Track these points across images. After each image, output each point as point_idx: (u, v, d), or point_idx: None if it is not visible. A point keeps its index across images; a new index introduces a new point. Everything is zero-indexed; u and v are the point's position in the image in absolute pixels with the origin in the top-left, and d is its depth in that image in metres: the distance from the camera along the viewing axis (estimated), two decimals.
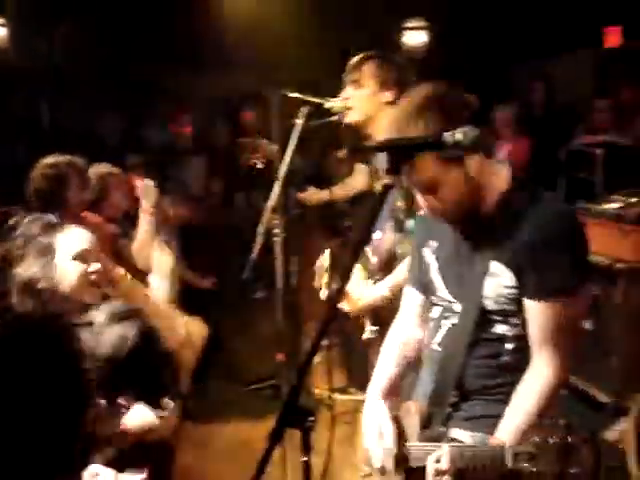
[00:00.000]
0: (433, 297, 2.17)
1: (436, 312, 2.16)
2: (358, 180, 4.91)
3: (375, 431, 2.15)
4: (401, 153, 1.66)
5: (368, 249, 3.09)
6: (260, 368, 4.96)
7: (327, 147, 6.12)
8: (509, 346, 2.00)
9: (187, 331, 4.55)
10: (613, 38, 7.34)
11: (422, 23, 8.36)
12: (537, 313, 1.92)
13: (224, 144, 7.09)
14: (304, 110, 3.30)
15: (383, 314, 2.85)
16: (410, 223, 2.96)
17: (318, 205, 5.25)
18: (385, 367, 2.30)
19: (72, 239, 2.80)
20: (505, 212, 1.96)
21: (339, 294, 1.62)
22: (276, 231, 3.36)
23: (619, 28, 7.27)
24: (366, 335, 2.97)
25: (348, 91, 3.02)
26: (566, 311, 1.92)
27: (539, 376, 1.94)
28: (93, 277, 2.78)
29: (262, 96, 6.50)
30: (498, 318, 1.99)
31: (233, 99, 7.56)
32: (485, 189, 1.97)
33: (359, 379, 4.81)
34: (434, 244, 2.16)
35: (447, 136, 1.62)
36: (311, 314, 5.66)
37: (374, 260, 3.04)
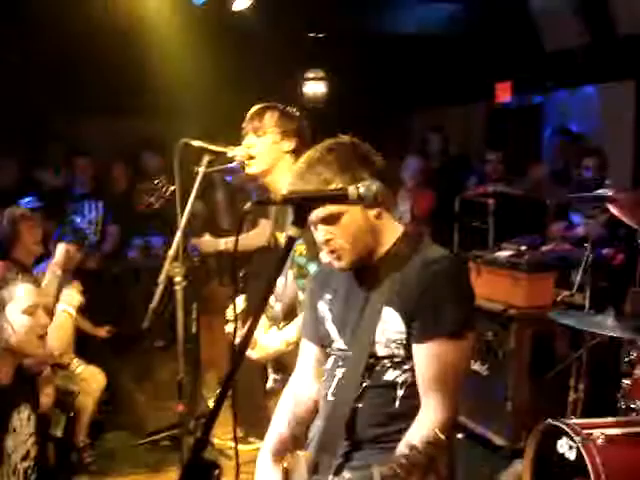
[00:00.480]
0: (329, 349, 2.20)
1: (330, 362, 2.19)
2: (259, 236, 4.89)
3: None
4: (307, 206, 1.69)
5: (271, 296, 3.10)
6: (159, 419, 4.84)
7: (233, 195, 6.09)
8: (400, 393, 2.03)
9: (85, 380, 4.45)
10: (503, 93, 7.69)
11: (321, 74, 8.53)
12: (423, 356, 1.97)
13: (122, 189, 6.99)
14: (206, 158, 3.29)
15: (286, 362, 2.84)
16: (312, 267, 3.00)
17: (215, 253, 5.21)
18: (276, 427, 2.28)
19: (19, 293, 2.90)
20: (395, 260, 2.04)
21: (246, 342, 1.61)
22: (177, 279, 3.30)
23: (509, 84, 7.63)
24: (270, 384, 2.96)
25: (250, 139, 3.04)
26: (451, 354, 1.97)
27: (426, 420, 1.96)
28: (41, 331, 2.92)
29: (163, 143, 6.47)
30: (388, 364, 2.03)
31: (133, 144, 7.47)
32: (380, 236, 2.05)
33: (259, 429, 4.78)
34: (328, 296, 2.21)
35: (351, 190, 1.66)
36: (211, 363, 5.60)
37: (278, 307, 3.05)
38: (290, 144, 3.00)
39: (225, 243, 4.96)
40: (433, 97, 8.34)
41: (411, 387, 2.02)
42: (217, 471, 1.55)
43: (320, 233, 2.03)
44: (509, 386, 4.58)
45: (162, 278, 3.25)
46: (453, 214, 6.52)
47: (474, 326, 2.06)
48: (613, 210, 4.31)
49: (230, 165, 3.26)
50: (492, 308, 4.72)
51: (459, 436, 4.92)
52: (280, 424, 2.27)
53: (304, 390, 2.28)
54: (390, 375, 2.03)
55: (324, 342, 2.22)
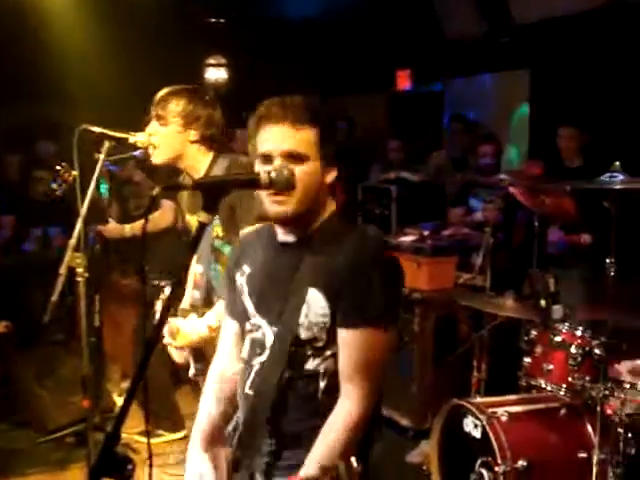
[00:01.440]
0: (246, 326, 2.08)
1: (246, 349, 2.08)
2: (163, 217, 4.83)
3: None
4: (217, 191, 1.65)
5: (189, 284, 3.05)
6: (62, 415, 4.69)
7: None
8: (322, 384, 1.95)
9: None
10: (404, 80, 7.80)
11: (222, 60, 8.45)
12: (346, 342, 1.89)
13: (15, 178, 6.71)
14: (106, 145, 3.20)
15: (206, 352, 2.79)
16: (227, 250, 2.96)
17: (119, 241, 5.08)
18: (204, 409, 2.18)
19: None
20: (325, 236, 1.96)
21: (157, 333, 1.57)
22: (79, 271, 3.19)
23: (409, 71, 7.75)
24: (191, 373, 2.91)
25: (153, 126, 2.96)
26: (375, 342, 1.90)
27: (343, 410, 1.89)
28: None
29: (60, 128, 6.25)
30: (309, 352, 1.93)
31: (25, 131, 7.18)
32: (321, 204, 1.99)
33: (167, 421, 4.71)
34: (247, 269, 2.10)
35: (262, 174, 1.64)
36: (114, 356, 5.47)
37: (197, 295, 3.00)
38: (196, 133, 2.90)
39: (131, 228, 4.86)
40: (336, 84, 8.39)
41: (333, 377, 1.94)
42: (130, 466, 1.51)
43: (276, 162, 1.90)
44: (414, 368, 4.67)
45: (63, 269, 3.14)
46: (357, 201, 6.59)
47: (399, 314, 2.03)
48: (513, 192, 4.46)
49: (134, 153, 3.18)
50: None
51: None
52: (208, 405, 2.18)
53: (228, 367, 2.18)
54: (311, 364, 1.94)
55: (240, 318, 2.11)
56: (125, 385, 5.45)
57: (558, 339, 3.48)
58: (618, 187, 3.19)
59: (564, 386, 3.40)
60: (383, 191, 6.53)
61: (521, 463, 3.15)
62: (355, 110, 8.20)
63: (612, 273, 3.22)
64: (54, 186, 3.44)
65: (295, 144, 1.87)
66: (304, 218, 1.96)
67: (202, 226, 1.58)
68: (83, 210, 3.18)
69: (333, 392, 1.93)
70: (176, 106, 2.89)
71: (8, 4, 6.20)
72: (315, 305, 1.91)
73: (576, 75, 5.97)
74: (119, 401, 5.04)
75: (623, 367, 3.42)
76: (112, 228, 4.89)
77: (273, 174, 1.63)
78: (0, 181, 6.56)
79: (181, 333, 2.80)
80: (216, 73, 8.37)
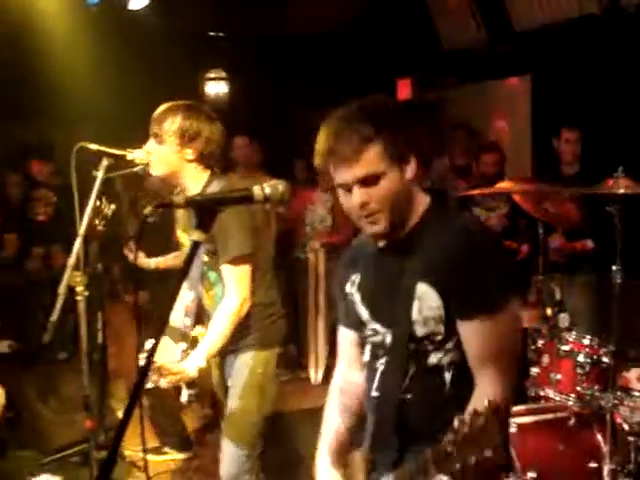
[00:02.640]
0: (364, 332, 2.07)
1: (367, 353, 2.08)
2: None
3: None
4: (210, 209, 1.62)
5: (180, 311, 3.04)
6: (66, 434, 4.66)
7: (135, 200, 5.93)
8: (448, 376, 1.92)
9: None
10: (404, 90, 7.78)
11: (223, 74, 8.45)
12: (469, 333, 1.86)
13: (17, 197, 6.71)
14: (105, 162, 3.18)
15: (198, 378, 2.84)
16: (212, 275, 2.95)
17: (122, 257, 5.05)
18: (330, 423, 2.18)
19: None
20: (425, 231, 1.94)
21: (152, 354, 1.54)
22: (79, 289, 3.17)
23: (409, 80, 7.73)
24: (184, 399, 2.89)
25: (150, 144, 2.94)
26: (499, 328, 1.85)
27: (480, 399, 1.78)
28: None
29: (51, 146, 6.25)
30: (430, 347, 1.91)
31: (20, 150, 7.17)
32: (414, 204, 1.96)
33: (173, 439, 4.67)
34: (355, 278, 2.09)
35: (256, 190, 1.60)
36: (118, 373, 5.44)
37: (188, 322, 3.00)
38: (192, 152, 2.88)
39: (156, 263, 4.81)
40: (336, 95, 8.38)
41: (459, 368, 1.91)
42: None
43: (355, 196, 1.88)
44: None
45: (62, 288, 3.12)
46: None
47: (516, 292, 1.99)
48: (516, 200, 4.42)
49: (134, 169, 3.16)
50: None
51: None
52: (333, 420, 2.18)
53: (350, 379, 2.19)
54: (434, 358, 1.91)
55: (357, 327, 2.10)
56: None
57: (565, 348, 3.44)
58: (622, 192, 3.15)
59: (573, 396, 3.35)
60: None
61: (530, 475, 3.09)
62: None
63: (619, 280, 3.18)
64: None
65: (364, 170, 1.85)
66: (397, 227, 1.94)
67: (195, 245, 1.54)
68: (82, 229, 3.16)
69: (460, 383, 1.91)
70: (172, 124, 2.86)
71: (3, 24, 6.20)
72: (426, 299, 1.88)
73: (577, 81, 5.94)
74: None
75: (632, 375, 3.38)
76: (143, 263, 4.84)
77: (267, 190, 1.59)
78: (1, 200, 6.54)
79: (170, 373, 2.78)
80: (216, 87, 8.36)
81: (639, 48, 5.35)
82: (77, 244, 3.13)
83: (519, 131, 6.87)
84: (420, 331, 1.89)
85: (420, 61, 7.45)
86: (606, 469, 3.15)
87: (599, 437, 3.27)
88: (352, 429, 2.17)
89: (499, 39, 6.62)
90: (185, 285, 2.97)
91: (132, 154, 3.04)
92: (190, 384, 2.88)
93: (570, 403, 3.36)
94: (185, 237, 3.11)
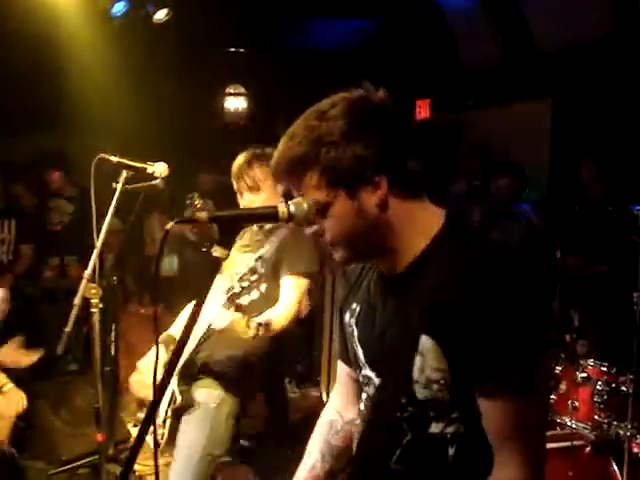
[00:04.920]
0: (359, 377, 1.71)
1: (362, 403, 1.74)
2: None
3: None
4: (234, 225, 1.60)
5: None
6: (76, 445, 4.64)
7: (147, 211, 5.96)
8: (451, 451, 1.52)
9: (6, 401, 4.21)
10: (423, 110, 7.78)
11: (242, 89, 8.48)
12: (489, 404, 1.44)
13: (32, 206, 6.73)
14: (124, 174, 3.19)
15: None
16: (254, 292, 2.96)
17: (136, 272, 5.07)
18: (309, 461, 1.88)
19: None
20: (433, 265, 1.51)
21: (171, 370, 1.52)
22: (94, 301, 3.17)
23: (428, 101, 7.72)
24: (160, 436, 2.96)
25: (248, 198, 3.01)
26: (527, 398, 1.43)
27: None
28: None
29: (66, 157, 6.27)
30: (431, 413, 1.52)
31: (40, 160, 7.20)
32: (400, 235, 1.53)
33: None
34: (356, 307, 1.72)
35: (281, 207, 1.57)
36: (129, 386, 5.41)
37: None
38: (281, 187, 2.97)
39: None
40: None
41: (465, 442, 1.51)
42: None
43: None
44: None
45: (77, 299, 3.11)
46: None
47: (548, 356, 1.61)
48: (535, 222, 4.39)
49: (152, 182, 3.17)
50: None
51: None
52: (313, 457, 1.87)
53: (340, 417, 1.89)
54: (435, 427, 1.52)
55: (352, 366, 1.76)
56: (141, 415, 5.39)
57: (583, 375, 3.40)
58: None
59: (589, 424, 3.31)
60: None
61: None
62: None
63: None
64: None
65: (309, 198, 1.53)
66: (382, 254, 1.57)
67: (217, 262, 1.52)
68: (99, 242, 3.16)
69: (466, 461, 1.53)
70: (261, 171, 2.99)
71: (25, 37, 6.25)
72: (429, 357, 1.48)
73: (598, 104, 5.91)
74: (134, 431, 4.98)
75: None
76: None
77: (292, 208, 1.54)
78: (18, 211, 6.56)
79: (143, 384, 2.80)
80: (235, 102, 8.39)
81: None
82: (94, 256, 3.13)
83: (537, 154, 6.84)
84: (420, 393, 1.51)
85: (439, 82, 7.45)
86: None
87: (615, 467, 3.22)
88: (331, 471, 1.86)
89: (520, 60, 6.61)
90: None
91: (152, 167, 3.04)
92: None
93: (587, 431, 3.32)
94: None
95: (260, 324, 2.72)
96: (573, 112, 6.25)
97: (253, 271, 2.74)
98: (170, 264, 6.52)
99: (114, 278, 4.42)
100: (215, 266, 1.53)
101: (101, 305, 3.22)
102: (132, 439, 4.77)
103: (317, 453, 1.87)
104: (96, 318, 3.20)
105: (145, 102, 6.97)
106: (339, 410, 1.90)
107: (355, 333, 1.70)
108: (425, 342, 1.48)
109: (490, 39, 6.77)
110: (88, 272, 3.14)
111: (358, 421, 1.81)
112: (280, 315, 2.87)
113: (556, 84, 6.38)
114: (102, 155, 3.13)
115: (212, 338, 2.94)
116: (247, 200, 3.00)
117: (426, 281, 1.51)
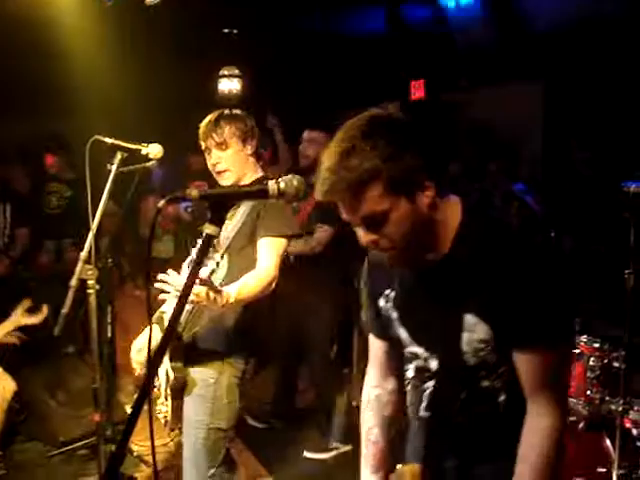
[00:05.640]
0: (404, 353, 1.96)
1: (411, 371, 1.96)
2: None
3: None
4: (224, 203, 1.62)
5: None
6: (74, 427, 4.67)
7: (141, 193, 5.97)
8: (501, 398, 1.83)
9: None
10: (418, 90, 7.77)
11: (236, 71, 8.43)
12: (521, 363, 1.75)
13: (28, 190, 6.72)
14: (118, 156, 3.19)
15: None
16: (217, 257, 2.95)
17: (131, 254, 5.08)
18: (370, 438, 2.11)
19: None
20: (467, 250, 1.75)
21: (162, 349, 1.54)
22: (90, 282, 3.18)
23: (422, 82, 7.72)
24: (165, 418, 2.96)
25: (215, 155, 3.00)
26: (555, 359, 1.74)
27: (538, 430, 1.75)
28: None
29: (64, 140, 6.26)
30: (482, 373, 1.81)
31: (35, 143, 7.19)
32: (441, 230, 1.76)
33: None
34: (391, 294, 1.94)
35: (271, 184, 1.60)
36: (127, 367, 5.44)
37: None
38: (252, 146, 3.05)
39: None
40: (351, 97, 8.37)
41: (513, 390, 1.79)
42: None
43: (361, 236, 1.73)
44: None
45: (74, 281, 3.13)
46: None
47: (571, 325, 1.89)
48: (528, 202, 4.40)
49: (147, 164, 3.18)
50: None
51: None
52: (373, 433, 2.10)
53: (387, 387, 2.12)
54: (487, 382, 1.81)
55: (394, 343, 1.99)
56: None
57: (576, 351, 3.42)
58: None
59: (582, 400, 3.34)
60: None
61: None
62: None
63: (631, 284, 3.16)
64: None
65: (366, 211, 1.66)
66: (421, 259, 1.79)
67: (209, 238, 1.54)
68: (94, 223, 3.17)
69: (514, 405, 1.80)
70: (230, 127, 3.00)
71: (18, 18, 6.21)
72: (476, 330, 1.76)
73: (591, 85, 5.91)
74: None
75: None
76: None
77: (282, 184, 1.59)
78: (13, 194, 6.55)
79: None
80: (229, 84, 8.35)
81: None
82: (90, 237, 3.14)
83: (530, 135, 6.85)
84: (471, 361, 1.79)
85: (434, 63, 7.44)
86: (615, 474, 3.13)
87: (608, 442, 3.26)
88: (392, 441, 2.11)
89: (513, 42, 6.60)
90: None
91: (146, 148, 3.05)
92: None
93: (580, 407, 3.35)
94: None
95: (215, 294, 2.66)
96: (565, 93, 6.26)
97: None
98: (166, 246, 6.55)
99: (110, 260, 4.44)
100: (206, 243, 1.55)
101: (97, 287, 3.23)
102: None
103: (376, 428, 2.10)
104: (93, 299, 3.21)
105: (140, 85, 6.95)
106: (379, 384, 2.12)
107: (395, 315, 1.93)
108: (470, 320, 1.74)
109: (484, 21, 6.76)
110: (84, 254, 3.16)
111: (399, 385, 2.06)
112: (248, 284, 2.81)
113: (549, 66, 6.38)
114: (97, 137, 3.13)
115: (195, 315, 2.95)
116: (215, 157, 3.00)
117: (463, 266, 1.74)
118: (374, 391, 2.13)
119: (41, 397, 4.86)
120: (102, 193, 3.19)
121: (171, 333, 1.60)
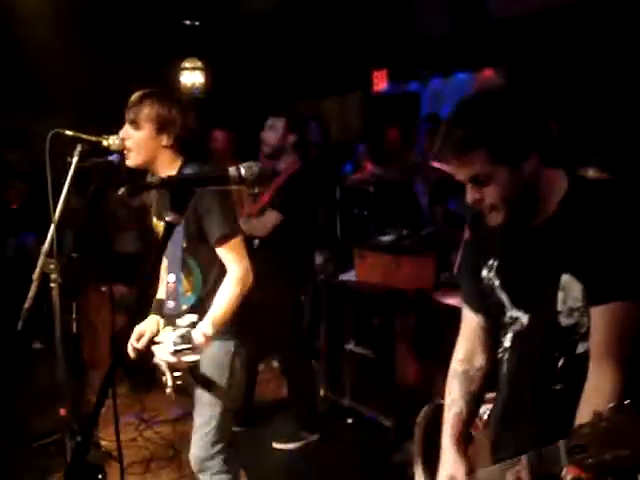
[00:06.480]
0: (503, 319, 2.04)
1: (508, 341, 2.04)
2: None
3: None
4: (185, 190, 1.62)
5: (162, 295, 3.04)
6: (41, 423, 4.63)
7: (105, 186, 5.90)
8: None
9: None
10: (380, 81, 7.80)
11: (198, 63, 8.41)
12: (599, 319, 1.81)
13: None
14: (79, 148, 3.16)
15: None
16: (191, 261, 2.94)
17: (96, 246, 5.02)
18: (454, 410, 2.19)
19: None
20: (570, 212, 1.87)
21: (124, 340, 1.54)
22: (53, 276, 3.14)
23: (385, 72, 7.74)
24: (169, 391, 2.88)
25: (127, 131, 2.94)
26: (630, 318, 1.79)
27: (598, 393, 1.79)
28: None
29: (25, 134, 6.19)
30: (576, 336, 1.88)
31: None
32: (544, 195, 1.89)
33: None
34: (494, 262, 2.05)
35: (232, 171, 1.61)
36: (94, 364, 5.40)
37: (170, 305, 2.99)
38: (168, 138, 2.92)
39: None
40: (312, 86, 8.38)
41: None
42: (101, 475, 1.48)
43: (468, 193, 1.89)
44: (396, 368, 4.65)
45: (36, 275, 3.10)
46: (334, 202, 6.55)
47: None
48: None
49: (110, 157, 3.14)
50: (377, 292, 4.79)
51: (349, 421, 4.99)
52: (458, 406, 2.18)
53: (476, 364, 2.19)
54: (582, 347, 1.87)
55: (495, 312, 2.06)
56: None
57: None
58: None
59: None
60: (361, 191, 6.52)
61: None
62: (331, 111, 8.19)
63: None
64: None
65: (470, 172, 1.84)
66: (522, 221, 1.93)
67: (170, 227, 1.54)
68: (56, 216, 3.13)
69: None
70: (150, 110, 2.89)
71: None
72: (571, 290, 1.85)
73: (552, 72, 5.98)
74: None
75: None
76: None
77: (242, 170, 1.61)
78: None
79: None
80: (192, 77, 8.32)
81: (615, 38, 5.41)
82: (51, 231, 3.11)
83: None
84: (565, 322, 1.87)
85: (396, 50, 7.46)
86: None
87: None
88: (474, 414, 2.20)
89: (474, 29, 6.65)
90: (163, 267, 2.98)
91: (107, 140, 3.02)
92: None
93: None
94: (160, 224, 3.10)
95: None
96: (527, 80, 6.32)
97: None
98: (131, 239, 6.48)
99: (73, 255, 4.40)
100: (168, 231, 1.55)
101: (60, 280, 3.20)
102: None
103: (460, 400, 2.18)
104: (56, 293, 3.18)
105: (102, 78, 6.89)
106: (468, 359, 2.20)
107: (497, 283, 2.02)
108: (565, 278, 1.84)
109: (445, 8, 6.80)
110: (45, 247, 3.12)
111: (488, 362, 2.15)
112: (222, 301, 2.82)
113: (510, 52, 6.44)
114: (57, 130, 3.09)
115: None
116: (124, 131, 2.93)
117: (563, 229, 1.86)
118: (462, 365, 2.21)
119: (7, 394, 4.81)
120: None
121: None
